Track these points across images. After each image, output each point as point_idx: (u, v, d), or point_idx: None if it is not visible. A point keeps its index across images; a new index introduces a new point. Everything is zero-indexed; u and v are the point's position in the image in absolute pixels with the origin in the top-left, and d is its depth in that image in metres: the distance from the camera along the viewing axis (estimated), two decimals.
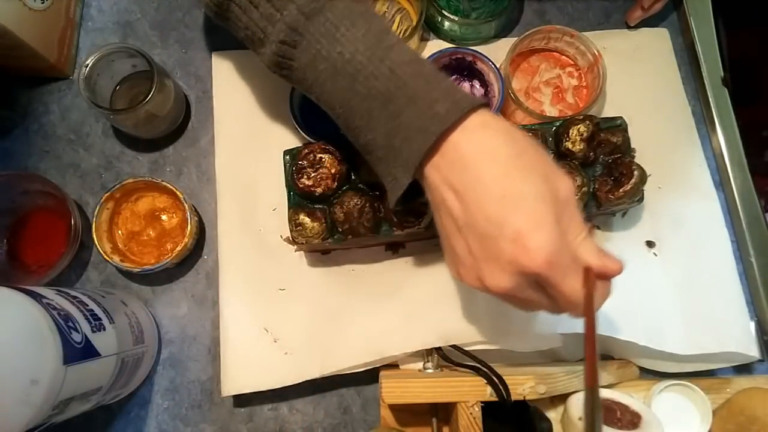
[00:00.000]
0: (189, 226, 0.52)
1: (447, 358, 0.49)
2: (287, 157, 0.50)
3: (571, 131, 0.49)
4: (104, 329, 0.44)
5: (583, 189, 0.49)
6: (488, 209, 0.34)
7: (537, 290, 0.36)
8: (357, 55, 0.36)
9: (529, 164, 0.35)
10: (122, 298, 0.51)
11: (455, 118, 0.34)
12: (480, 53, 0.55)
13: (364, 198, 0.48)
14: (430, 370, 0.49)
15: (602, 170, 0.51)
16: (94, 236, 0.52)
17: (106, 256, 0.52)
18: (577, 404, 0.46)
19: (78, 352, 0.40)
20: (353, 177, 0.50)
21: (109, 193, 0.53)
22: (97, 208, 0.53)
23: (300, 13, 0.37)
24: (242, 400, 0.54)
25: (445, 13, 0.57)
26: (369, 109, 0.37)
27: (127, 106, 0.54)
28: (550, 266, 0.33)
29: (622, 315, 0.50)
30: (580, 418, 0.44)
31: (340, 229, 0.48)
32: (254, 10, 0.39)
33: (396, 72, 0.36)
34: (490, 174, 0.34)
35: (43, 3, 0.55)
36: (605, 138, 0.50)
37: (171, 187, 0.53)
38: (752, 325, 0.53)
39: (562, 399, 0.49)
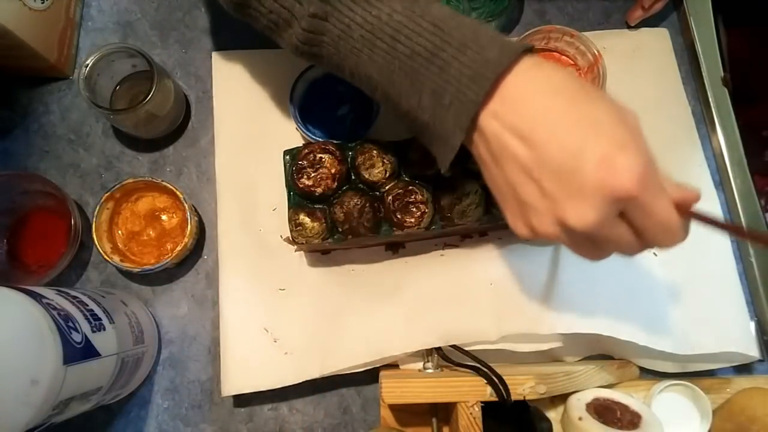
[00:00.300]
0: (189, 226, 0.52)
1: (447, 358, 0.49)
2: (287, 157, 0.50)
3: None
4: (104, 329, 0.44)
5: None
6: (563, 140, 0.32)
7: (622, 222, 0.33)
8: (395, 15, 0.36)
9: (594, 93, 0.34)
10: (122, 298, 0.51)
11: (509, 61, 0.34)
12: None
13: (364, 198, 0.48)
14: (430, 370, 0.49)
15: None
16: (94, 236, 0.52)
17: (106, 256, 0.52)
18: (577, 404, 0.46)
19: (78, 352, 0.40)
20: (353, 177, 0.50)
21: (109, 193, 0.53)
22: (97, 208, 0.53)
23: None
24: (242, 400, 0.54)
25: None
26: (413, 69, 0.36)
27: (127, 106, 0.54)
28: (643, 186, 0.31)
29: (622, 315, 0.50)
30: (580, 418, 0.45)
31: (340, 229, 0.48)
32: None
33: (439, 26, 0.35)
34: (559, 105, 0.33)
35: (43, 3, 0.55)
36: None
37: (171, 187, 0.53)
38: (752, 325, 0.53)
39: (562, 399, 0.49)
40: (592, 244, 0.35)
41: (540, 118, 0.33)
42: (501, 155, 0.35)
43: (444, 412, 0.51)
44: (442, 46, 0.35)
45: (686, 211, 0.34)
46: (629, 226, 0.34)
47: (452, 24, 0.35)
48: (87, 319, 0.42)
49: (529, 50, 0.35)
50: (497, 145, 0.35)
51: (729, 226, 0.33)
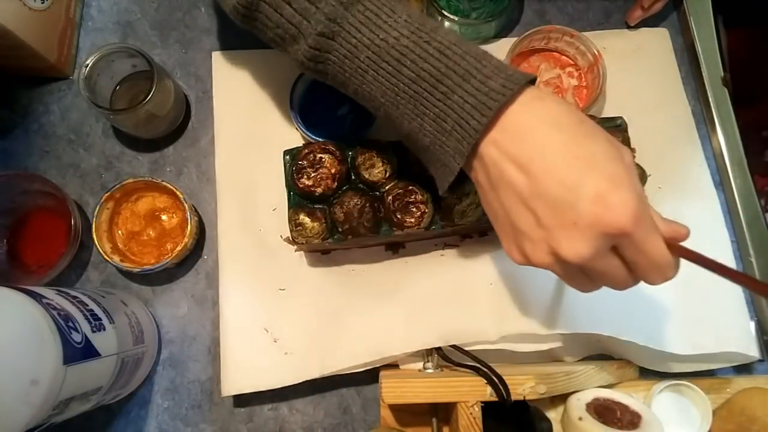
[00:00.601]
0: (189, 226, 0.52)
1: (447, 358, 0.49)
2: (287, 157, 0.50)
3: None
4: (104, 329, 0.44)
5: None
6: (560, 174, 0.33)
7: (614, 256, 0.35)
8: (402, 40, 0.36)
9: (592, 129, 0.35)
10: (122, 298, 0.51)
11: (512, 92, 0.34)
12: None
13: (364, 198, 0.48)
14: (430, 370, 0.49)
15: None
16: (94, 236, 0.52)
17: (106, 256, 0.52)
18: (577, 404, 0.46)
19: (78, 352, 0.40)
20: (353, 177, 0.50)
21: (109, 193, 0.53)
22: (97, 208, 0.53)
23: (338, 3, 0.37)
24: (242, 400, 0.54)
25: (445, 13, 0.57)
26: (417, 93, 0.37)
27: (127, 106, 0.54)
28: (636, 222, 0.32)
29: (622, 315, 0.50)
30: (580, 418, 0.45)
31: (340, 229, 0.48)
32: (287, 7, 0.38)
33: (444, 52, 0.36)
34: (557, 140, 0.34)
35: (43, 3, 0.55)
36: None
37: (171, 187, 0.53)
38: (752, 325, 0.53)
39: (562, 399, 0.49)
40: (584, 276, 0.36)
41: (539, 150, 0.34)
42: (499, 182, 0.36)
43: (444, 412, 0.51)
44: (446, 72, 0.36)
45: (677, 249, 0.35)
46: (621, 261, 0.35)
47: (458, 51, 0.36)
48: (87, 319, 0.42)
49: (532, 81, 0.36)
50: (496, 172, 0.36)
51: (717, 266, 0.35)
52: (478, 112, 0.35)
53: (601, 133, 0.35)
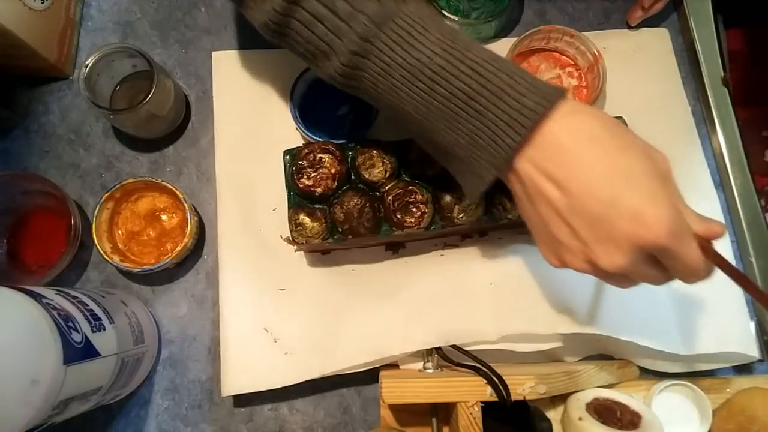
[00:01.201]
0: (189, 226, 0.52)
1: (447, 358, 0.49)
2: (287, 157, 0.50)
3: None
4: (104, 329, 0.44)
5: None
6: (598, 191, 0.34)
7: (650, 263, 0.36)
8: (435, 59, 0.36)
9: (628, 143, 0.35)
10: (122, 298, 0.51)
11: (546, 109, 0.35)
12: None
13: (364, 198, 0.48)
14: (430, 370, 0.49)
15: None
16: (94, 236, 0.52)
17: (106, 256, 0.52)
18: (577, 404, 0.46)
19: (78, 352, 0.40)
20: (353, 177, 0.50)
21: (109, 193, 0.53)
22: (97, 208, 0.53)
23: (372, 23, 0.37)
24: (242, 400, 0.54)
25: (445, 14, 0.57)
26: (451, 111, 0.37)
27: (127, 106, 0.54)
28: (671, 237, 0.33)
29: (622, 315, 0.50)
30: (580, 418, 0.45)
31: (340, 229, 0.48)
32: (319, 25, 0.38)
33: (478, 70, 0.36)
34: (593, 156, 0.34)
35: (43, 3, 0.55)
36: None
37: (171, 187, 0.53)
38: (752, 325, 0.53)
39: (562, 399, 0.49)
40: (621, 277, 0.37)
41: (575, 168, 0.35)
42: (536, 197, 0.37)
43: (444, 412, 0.51)
44: (480, 90, 0.36)
45: (711, 256, 0.36)
46: (656, 266, 0.36)
47: (491, 68, 0.36)
48: (87, 319, 0.42)
49: (563, 95, 0.36)
50: (532, 187, 0.37)
51: (746, 282, 0.37)
52: (513, 129, 0.35)
53: (636, 146, 0.36)
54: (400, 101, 0.39)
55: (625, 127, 0.37)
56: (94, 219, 0.53)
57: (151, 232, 0.56)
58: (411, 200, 0.48)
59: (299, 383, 0.51)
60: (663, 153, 0.37)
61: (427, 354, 0.50)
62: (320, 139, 0.52)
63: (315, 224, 0.48)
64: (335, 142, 0.50)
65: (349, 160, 0.50)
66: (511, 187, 0.39)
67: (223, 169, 0.57)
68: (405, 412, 0.51)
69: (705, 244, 0.36)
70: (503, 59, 0.37)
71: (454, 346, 0.50)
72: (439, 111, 0.37)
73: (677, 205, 0.35)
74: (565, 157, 0.35)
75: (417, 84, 0.37)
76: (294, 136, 0.57)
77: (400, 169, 0.49)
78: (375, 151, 0.49)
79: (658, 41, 0.62)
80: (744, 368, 0.54)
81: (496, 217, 0.48)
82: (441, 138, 0.39)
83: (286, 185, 0.50)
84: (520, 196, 0.39)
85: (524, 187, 0.37)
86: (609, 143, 0.35)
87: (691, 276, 0.36)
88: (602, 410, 0.46)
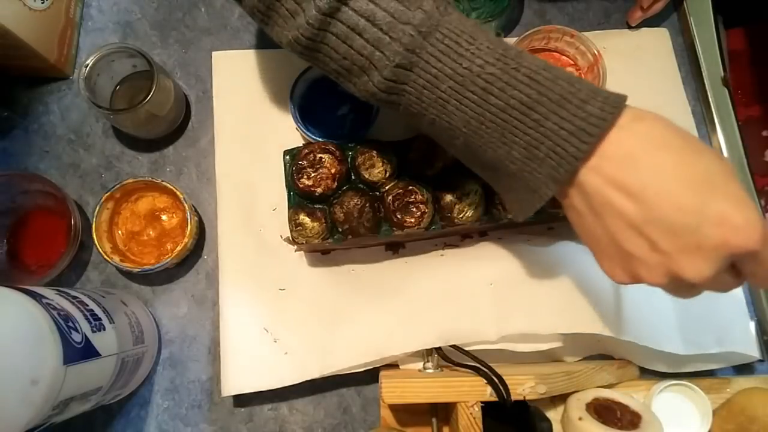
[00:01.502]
0: (189, 226, 0.52)
1: (447, 358, 0.49)
2: (287, 157, 0.50)
3: None
4: (104, 329, 0.44)
5: None
6: (677, 198, 0.32)
7: (729, 270, 0.34)
8: (487, 68, 0.34)
9: (701, 147, 0.34)
10: (122, 298, 0.51)
11: (612, 116, 0.33)
12: None
13: (364, 198, 0.48)
14: (430, 370, 0.49)
15: None
16: (94, 236, 0.52)
17: (106, 256, 0.52)
18: (577, 404, 0.46)
19: (78, 352, 0.40)
20: (353, 177, 0.50)
21: (109, 193, 0.53)
22: (97, 208, 0.53)
23: (417, 33, 0.35)
24: (242, 400, 0.54)
25: None
26: (505, 122, 0.35)
27: (127, 106, 0.54)
28: (763, 241, 0.31)
29: (622, 315, 0.50)
30: (580, 418, 0.44)
31: (340, 229, 0.48)
32: (357, 38, 0.36)
33: (535, 78, 0.34)
34: (668, 161, 0.33)
35: (43, 3, 0.55)
36: None
37: (171, 187, 0.53)
38: (752, 325, 0.53)
39: (562, 399, 0.49)
40: (693, 287, 0.35)
41: (650, 176, 0.33)
42: (603, 210, 0.35)
43: (444, 412, 0.51)
44: (539, 99, 0.34)
45: None
46: (734, 271, 0.35)
47: (548, 76, 0.34)
48: (87, 319, 0.42)
49: (625, 101, 0.35)
50: (600, 199, 0.34)
51: None
52: (577, 138, 0.33)
53: (708, 150, 0.34)
54: (447, 115, 0.36)
55: (688, 132, 0.35)
56: (94, 219, 0.53)
57: (151, 232, 0.56)
58: (411, 200, 0.48)
59: (299, 383, 0.51)
60: (729, 161, 0.35)
61: (427, 354, 0.50)
62: (320, 139, 0.52)
63: (315, 224, 0.48)
64: (335, 142, 0.50)
65: (349, 160, 0.50)
66: (568, 202, 0.37)
67: (223, 169, 0.57)
68: (405, 412, 0.51)
69: None
70: (558, 68, 0.35)
71: (454, 346, 0.49)
72: (492, 123, 0.35)
73: (756, 208, 0.33)
74: (639, 166, 0.33)
75: (467, 95, 0.35)
76: (294, 136, 0.57)
77: (400, 169, 0.49)
78: (375, 151, 0.49)
79: (658, 41, 0.62)
80: (744, 368, 0.54)
81: (496, 217, 0.48)
82: (491, 153, 0.36)
83: (286, 185, 0.50)
84: (582, 211, 0.36)
85: (589, 201, 0.35)
86: (683, 148, 0.33)
87: None
88: (602, 410, 0.46)
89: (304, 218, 0.48)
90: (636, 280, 0.36)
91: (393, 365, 0.52)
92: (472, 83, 0.35)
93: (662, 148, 0.33)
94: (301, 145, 0.50)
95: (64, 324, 0.39)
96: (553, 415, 0.50)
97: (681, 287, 0.36)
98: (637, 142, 0.33)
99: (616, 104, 0.34)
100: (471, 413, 0.44)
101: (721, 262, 0.32)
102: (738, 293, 0.54)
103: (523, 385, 0.44)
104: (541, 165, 0.35)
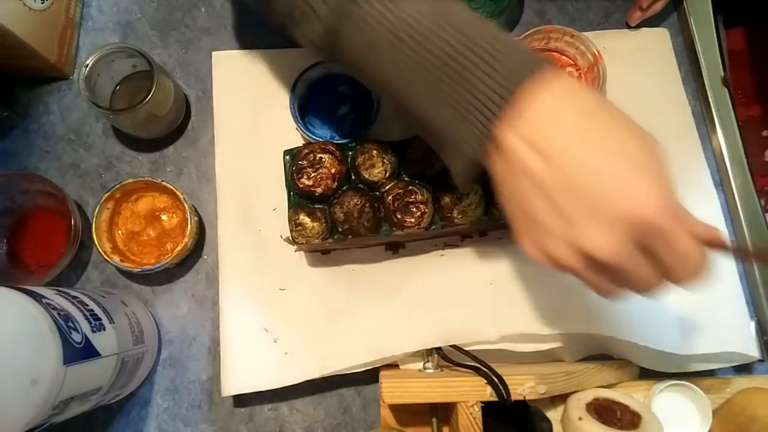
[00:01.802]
0: (189, 226, 0.52)
1: (447, 358, 0.49)
2: (287, 157, 0.50)
3: None
4: (104, 329, 0.44)
5: None
6: (590, 162, 0.31)
7: (641, 253, 0.32)
8: (421, 19, 0.34)
9: (619, 115, 0.33)
10: (122, 298, 0.51)
11: (532, 73, 0.32)
12: None
13: (364, 198, 0.48)
14: (430, 370, 0.49)
15: None
16: (94, 236, 0.52)
17: (106, 256, 0.52)
18: (577, 404, 0.46)
19: (78, 352, 0.40)
20: (353, 177, 0.50)
21: (109, 193, 0.53)
22: (97, 208, 0.53)
23: None
24: (242, 400, 0.54)
25: None
26: (435, 77, 0.34)
27: (127, 106, 0.54)
28: (669, 214, 0.30)
29: (622, 315, 0.50)
30: (580, 418, 0.44)
31: (340, 229, 0.48)
32: None
33: (466, 33, 0.34)
34: (584, 125, 0.32)
35: (43, 3, 0.55)
36: None
37: (171, 187, 0.53)
38: (752, 325, 0.53)
39: (562, 399, 0.49)
40: (606, 279, 0.34)
41: (565, 138, 0.32)
42: (517, 171, 0.34)
43: (444, 412, 0.51)
44: (466, 54, 0.34)
45: (712, 242, 0.33)
46: (648, 260, 0.33)
47: (478, 32, 0.34)
48: (87, 319, 0.42)
49: (552, 64, 0.34)
50: (514, 159, 0.33)
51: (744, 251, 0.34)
52: (496, 93, 0.33)
53: (627, 120, 0.33)
54: (383, 68, 0.36)
55: (612, 102, 0.34)
56: (94, 219, 0.53)
57: (151, 232, 0.56)
58: (411, 200, 0.48)
59: (299, 383, 0.51)
60: (653, 136, 0.33)
61: (427, 354, 0.50)
62: (320, 139, 0.52)
63: (315, 224, 0.48)
64: (335, 142, 0.50)
65: (349, 160, 0.50)
66: (494, 171, 0.36)
67: (223, 169, 0.57)
68: (405, 412, 0.51)
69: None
70: (488, 21, 0.35)
71: (454, 346, 0.49)
72: (423, 78, 0.35)
73: (674, 187, 0.32)
74: (554, 127, 0.32)
75: (400, 48, 0.35)
76: (294, 136, 0.57)
77: (400, 169, 0.49)
78: (375, 151, 0.49)
79: (658, 41, 0.62)
80: (744, 368, 0.54)
81: (496, 217, 0.48)
82: (425, 112, 0.36)
83: (286, 185, 0.50)
84: (502, 176, 0.35)
85: (507, 164, 0.34)
86: (600, 114, 0.32)
87: (687, 266, 0.33)
88: (602, 410, 0.46)
89: (304, 218, 0.48)
90: (546, 256, 0.34)
91: (393, 365, 0.52)
92: (407, 34, 0.35)
93: (581, 112, 0.33)
94: (301, 145, 0.50)
95: (64, 324, 0.39)
96: (553, 415, 0.50)
97: (592, 273, 0.34)
98: (557, 104, 0.33)
99: (538, 63, 0.33)
100: (471, 413, 0.44)
101: (625, 234, 0.31)
102: (738, 293, 0.54)
103: (523, 385, 0.44)
104: (467, 126, 0.34)
